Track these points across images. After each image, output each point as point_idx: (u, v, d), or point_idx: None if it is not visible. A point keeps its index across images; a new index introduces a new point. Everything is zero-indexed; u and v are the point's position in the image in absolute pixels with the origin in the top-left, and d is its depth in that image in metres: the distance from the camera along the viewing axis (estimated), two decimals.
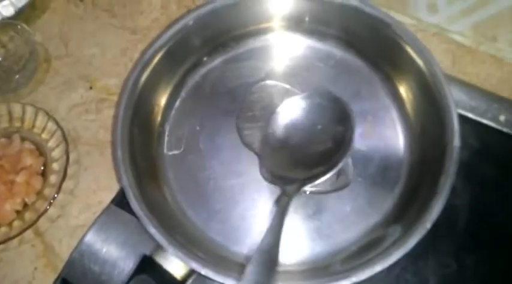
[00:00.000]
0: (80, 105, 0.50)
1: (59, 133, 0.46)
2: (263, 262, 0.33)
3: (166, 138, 0.45)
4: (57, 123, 0.46)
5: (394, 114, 0.44)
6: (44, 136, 0.47)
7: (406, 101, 0.44)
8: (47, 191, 0.45)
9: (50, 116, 0.46)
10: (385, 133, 0.44)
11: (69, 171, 0.45)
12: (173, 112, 0.46)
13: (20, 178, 0.45)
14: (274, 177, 0.40)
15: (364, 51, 0.46)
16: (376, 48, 0.45)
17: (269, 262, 0.34)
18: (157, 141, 0.44)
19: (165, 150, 0.44)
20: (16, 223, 0.44)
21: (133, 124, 0.41)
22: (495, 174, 0.45)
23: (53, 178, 0.45)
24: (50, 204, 0.43)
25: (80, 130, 0.49)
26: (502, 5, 0.45)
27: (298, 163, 0.41)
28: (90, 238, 0.42)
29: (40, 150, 0.47)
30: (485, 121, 0.47)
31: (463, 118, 0.46)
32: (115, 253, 0.42)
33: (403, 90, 0.44)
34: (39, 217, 0.43)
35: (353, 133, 0.39)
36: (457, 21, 0.49)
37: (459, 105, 0.46)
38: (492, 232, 0.43)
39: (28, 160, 0.46)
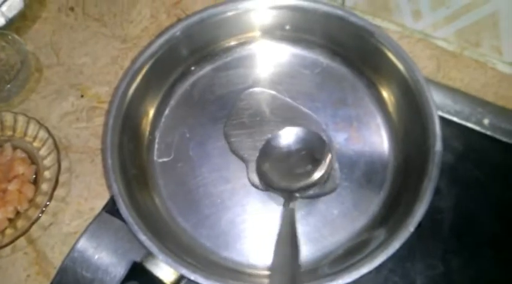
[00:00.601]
0: (71, 113, 0.51)
1: (50, 141, 0.46)
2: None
3: (156, 146, 0.45)
4: (48, 132, 0.47)
5: (378, 120, 0.45)
6: (36, 144, 0.48)
7: (389, 106, 0.45)
8: (39, 199, 0.45)
9: (41, 125, 0.47)
10: (370, 138, 0.44)
11: (61, 178, 0.46)
12: (163, 120, 0.46)
13: (12, 187, 0.45)
14: (271, 187, 0.42)
15: (348, 58, 0.47)
16: (361, 55, 0.46)
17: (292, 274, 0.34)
18: (147, 148, 0.45)
19: (155, 158, 0.45)
20: (8, 231, 0.44)
21: (123, 133, 0.42)
22: (479, 176, 0.45)
23: (44, 186, 0.46)
24: (42, 212, 0.44)
25: (71, 138, 0.49)
26: (484, 12, 0.46)
27: (289, 176, 0.42)
28: (82, 245, 0.43)
29: (32, 159, 0.48)
30: (469, 125, 0.48)
31: (447, 122, 0.47)
32: (107, 259, 0.42)
33: (386, 95, 0.45)
34: (31, 224, 0.43)
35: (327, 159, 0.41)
36: (441, 28, 0.50)
37: (444, 109, 0.48)
38: (477, 234, 0.43)
39: (20, 169, 0.46)
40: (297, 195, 0.40)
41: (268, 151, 0.42)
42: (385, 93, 0.45)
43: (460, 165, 0.46)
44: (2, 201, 0.45)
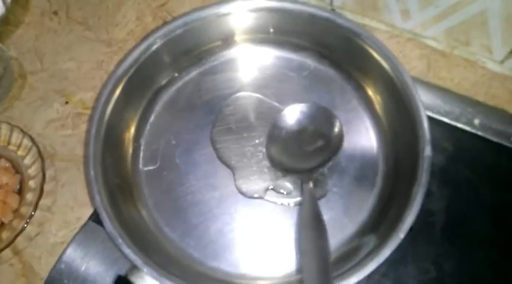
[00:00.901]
0: (56, 120, 0.50)
1: (34, 150, 0.45)
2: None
3: (141, 154, 0.44)
4: (32, 140, 0.46)
5: (367, 123, 0.44)
6: (20, 153, 0.47)
7: (378, 109, 0.44)
8: (24, 209, 0.44)
9: (25, 133, 0.46)
10: (359, 142, 0.44)
11: (47, 187, 0.45)
12: (148, 127, 0.45)
13: None
14: (286, 171, 0.42)
15: (336, 60, 0.46)
16: (348, 57, 0.45)
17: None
18: (132, 156, 0.44)
19: (140, 166, 0.44)
20: None
21: (106, 141, 0.41)
22: (471, 177, 0.45)
23: (29, 196, 0.45)
24: (27, 222, 0.43)
25: (56, 145, 0.48)
26: (473, 10, 0.46)
27: (302, 156, 0.42)
28: (69, 256, 0.42)
29: (16, 168, 0.47)
30: (460, 125, 0.47)
31: (437, 123, 0.47)
32: (94, 270, 0.42)
33: (375, 98, 0.45)
34: (16, 236, 0.43)
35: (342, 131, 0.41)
36: (430, 27, 0.50)
37: (434, 109, 0.47)
38: (469, 236, 0.43)
39: (4, 179, 0.45)
40: (314, 173, 0.40)
41: (275, 134, 0.42)
42: (373, 96, 0.45)
43: (451, 166, 0.45)
44: None
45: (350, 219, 0.41)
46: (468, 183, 0.45)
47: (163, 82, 0.46)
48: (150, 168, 0.44)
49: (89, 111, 0.50)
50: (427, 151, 0.37)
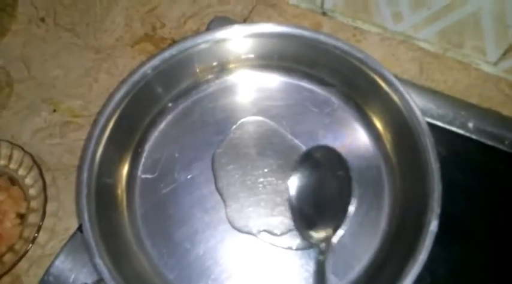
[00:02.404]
0: (44, 129, 0.49)
1: (35, 170, 0.45)
2: None
3: (143, 160, 0.43)
4: (24, 150, 0.45)
5: (384, 177, 0.42)
6: (21, 172, 0.46)
7: (395, 171, 0.42)
8: (27, 232, 0.44)
9: (25, 152, 0.45)
10: (368, 197, 0.41)
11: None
12: (156, 134, 0.44)
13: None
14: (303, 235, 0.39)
15: (361, 103, 0.44)
16: (374, 105, 0.43)
17: None
18: (132, 161, 0.43)
19: (138, 172, 0.43)
20: None
21: (110, 141, 0.40)
22: (465, 181, 0.44)
23: (32, 218, 0.44)
24: (32, 244, 0.43)
25: (44, 155, 0.48)
26: (465, 12, 0.45)
27: (320, 215, 0.40)
28: (57, 268, 0.42)
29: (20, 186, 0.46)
30: (453, 128, 0.46)
31: (431, 127, 0.45)
32: (83, 281, 0.41)
33: (393, 158, 0.42)
34: (20, 258, 0.42)
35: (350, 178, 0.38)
36: (422, 29, 0.49)
37: (427, 113, 0.46)
38: (463, 240, 0.42)
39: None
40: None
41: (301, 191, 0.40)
42: (392, 155, 0.42)
43: (445, 170, 0.44)
44: None
45: (338, 277, 0.39)
46: (462, 187, 0.44)
47: (184, 89, 0.45)
48: (148, 176, 0.43)
49: (77, 120, 0.49)
50: (433, 226, 0.35)
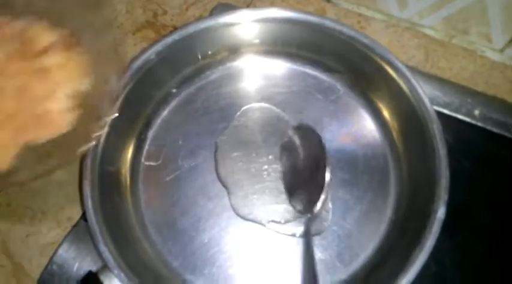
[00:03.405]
0: None
1: None
2: None
3: (146, 147, 0.43)
4: None
5: (390, 166, 0.42)
6: None
7: (402, 160, 0.41)
8: None
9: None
10: (372, 185, 0.41)
11: (36, 186, 0.44)
12: (159, 121, 0.44)
13: (48, 60, 0.31)
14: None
15: (366, 90, 0.43)
16: (383, 93, 0.43)
17: None
18: (136, 148, 0.43)
19: (142, 159, 0.43)
20: None
21: (113, 128, 0.39)
22: (471, 169, 0.44)
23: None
24: None
25: None
26: None
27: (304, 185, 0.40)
28: (60, 256, 0.41)
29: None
30: (460, 116, 0.46)
31: (437, 114, 0.45)
32: (86, 270, 0.41)
33: (400, 146, 0.42)
34: None
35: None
36: (427, 16, 0.48)
37: (433, 101, 0.46)
38: (469, 229, 0.42)
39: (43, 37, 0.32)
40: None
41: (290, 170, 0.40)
42: (399, 143, 0.42)
43: (451, 158, 0.44)
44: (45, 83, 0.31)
45: (342, 265, 0.38)
46: (468, 174, 0.44)
47: (187, 76, 0.44)
48: (152, 163, 0.42)
49: None
50: (440, 213, 0.35)
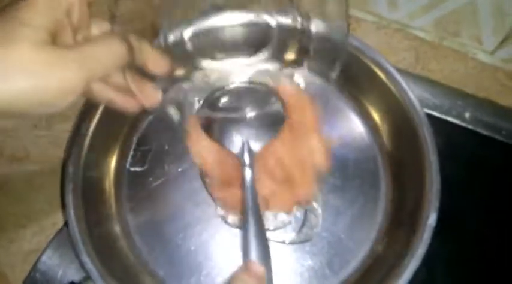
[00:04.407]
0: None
1: None
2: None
3: (131, 153, 0.42)
4: None
5: (381, 171, 0.41)
6: None
7: (392, 154, 0.41)
8: None
9: None
10: (365, 189, 0.40)
11: (20, 191, 0.43)
12: (144, 125, 0.43)
13: None
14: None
15: (359, 95, 0.43)
16: (372, 97, 0.42)
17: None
18: (120, 153, 0.42)
19: (127, 165, 0.42)
20: None
21: (97, 133, 0.38)
22: (461, 172, 0.44)
23: None
24: None
25: (29, 146, 0.46)
26: (462, 0, 0.44)
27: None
28: (44, 263, 0.41)
29: None
30: (450, 119, 0.46)
31: (428, 117, 0.45)
32: (70, 278, 0.40)
33: (390, 146, 0.41)
34: None
35: None
36: (418, 17, 0.48)
37: (423, 103, 0.45)
38: (460, 233, 0.42)
39: None
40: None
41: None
42: (389, 146, 0.41)
43: (441, 161, 0.44)
44: None
45: (332, 272, 0.38)
46: (458, 178, 0.43)
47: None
48: (137, 169, 0.41)
49: (64, 110, 0.47)
50: (432, 220, 0.35)
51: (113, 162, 0.42)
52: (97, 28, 0.31)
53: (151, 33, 0.38)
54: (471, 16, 0.45)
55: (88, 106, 0.38)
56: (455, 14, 0.46)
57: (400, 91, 0.38)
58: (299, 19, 0.39)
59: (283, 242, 0.39)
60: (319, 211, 0.39)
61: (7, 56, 0.25)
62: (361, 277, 0.38)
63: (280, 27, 0.40)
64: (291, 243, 0.39)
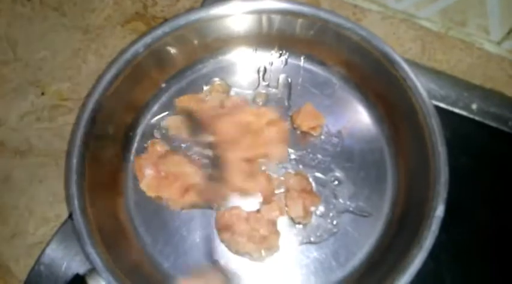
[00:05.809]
0: (31, 113, 0.47)
1: None
2: None
3: (135, 144, 0.42)
4: None
5: (387, 164, 0.40)
6: None
7: (401, 150, 0.41)
8: None
9: None
10: (371, 181, 0.40)
11: (22, 184, 0.42)
12: (148, 116, 0.42)
13: None
14: None
15: (363, 85, 0.42)
16: (376, 86, 0.41)
17: None
18: (124, 145, 0.42)
19: (131, 157, 0.42)
20: None
21: (100, 125, 0.38)
22: (468, 164, 0.43)
23: None
24: None
25: (32, 140, 0.46)
26: None
27: None
28: (48, 256, 0.40)
29: None
30: (457, 110, 0.45)
31: (434, 108, 0.44)
32: (75, 270, 0.40)
33: (398, 139, 0.41)
34: None
35: None
36: (424, 7, 0.47)
37: (430, 94, 0.45)
38: (466, 224, 0.42)
39: None
40: None
41: None
42: (395, 138, 0.41)
43: (448, 152, 0.43)
44: None
45: (339, 265, 0.38)
46: (465, 169, 0.43)
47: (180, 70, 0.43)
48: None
49: (66, 103, 0.47)
50: (439, 211, 0.34)
51: (117, 153, 0.41)
52: None
53: None
54: (478, 6, 0.45)
55: (90, 98, 0.37)
56: (461, 3, 0.45)
57: (408, 81, 0.38)
58: None
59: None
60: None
61: None
62: (367, 268, 0.37)
63: None
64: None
